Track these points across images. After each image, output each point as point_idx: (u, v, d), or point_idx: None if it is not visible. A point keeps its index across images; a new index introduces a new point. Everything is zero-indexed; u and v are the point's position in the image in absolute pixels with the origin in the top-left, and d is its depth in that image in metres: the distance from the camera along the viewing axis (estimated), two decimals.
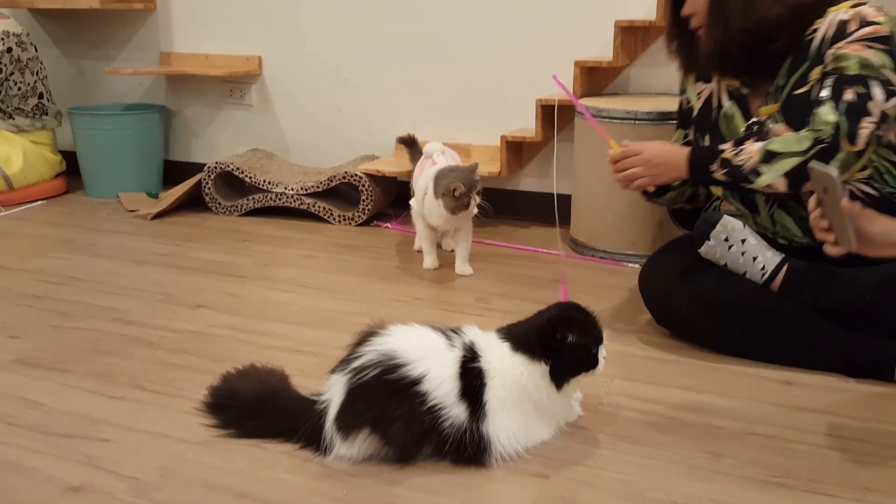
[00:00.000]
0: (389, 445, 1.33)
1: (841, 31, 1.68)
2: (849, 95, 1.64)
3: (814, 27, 1.73)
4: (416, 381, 1.29)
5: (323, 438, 1.35)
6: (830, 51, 1.69)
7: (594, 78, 2.75)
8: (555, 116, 2.67)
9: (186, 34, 3.43)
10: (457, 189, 2.21)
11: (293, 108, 3.34)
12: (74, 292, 2.22)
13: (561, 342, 1.35)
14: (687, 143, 2.02)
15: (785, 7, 1.71)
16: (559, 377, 1.36)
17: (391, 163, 2.98)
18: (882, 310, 1.68)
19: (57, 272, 2.39)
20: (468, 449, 1.33)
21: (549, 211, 2.94)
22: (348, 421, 1.32)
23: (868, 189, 1.73)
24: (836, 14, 1.69)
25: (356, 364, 1.32)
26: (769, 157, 1.69)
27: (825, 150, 1.64)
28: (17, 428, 1.47)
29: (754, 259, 1.77)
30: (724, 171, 1.73)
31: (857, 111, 1.63)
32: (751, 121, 1.85)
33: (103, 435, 1.45)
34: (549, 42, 2.84)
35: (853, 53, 1.66)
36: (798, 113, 1.75)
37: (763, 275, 1.77)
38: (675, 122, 2.10)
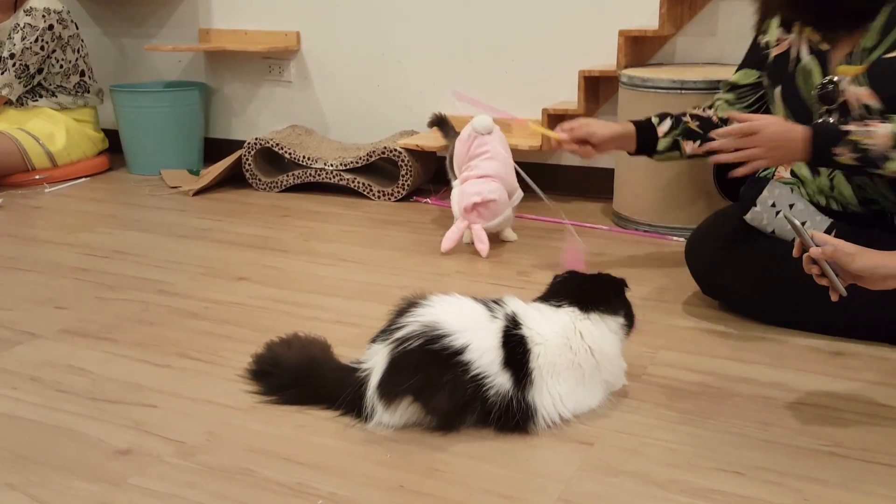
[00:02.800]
0: (432, 415, 1.32)
1: None
2: None
3: None
4: (459, 352, 1.29)
5: (364, 406, 1.35)
6: None
7: (639, 48, 2.70)
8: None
9: (225, 10, 3.44)
10: None
11: (332, 84, 3.33)
12: (119, 265, 2.24)
13: (626, 295, 1.49)
14: (758, 85, 1.96)
15: None
16: (629, 326, 1.46)
17: (430, 138, 2.97)
18: None
19: (101, 246, 2.42)
20: (515, 417, 1.32)
21: (590, 185, 2.92)
22: (390, 389, 1.32)
23: None
24: None
25: (399, 334, 1.31)
26: None
27: None
28: (66, 394, 1.49)
29: (803, 224, 1.73)
30: (855, 155, 1.60)
31: None
32: (825, 79, 1.75)
33: (150, 401, 1.47)
34: (592, 12, 2.79)
35: None
36: (886, 77, 1.64)
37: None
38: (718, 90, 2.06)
